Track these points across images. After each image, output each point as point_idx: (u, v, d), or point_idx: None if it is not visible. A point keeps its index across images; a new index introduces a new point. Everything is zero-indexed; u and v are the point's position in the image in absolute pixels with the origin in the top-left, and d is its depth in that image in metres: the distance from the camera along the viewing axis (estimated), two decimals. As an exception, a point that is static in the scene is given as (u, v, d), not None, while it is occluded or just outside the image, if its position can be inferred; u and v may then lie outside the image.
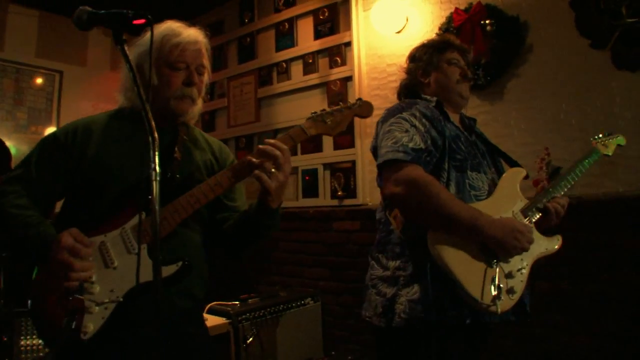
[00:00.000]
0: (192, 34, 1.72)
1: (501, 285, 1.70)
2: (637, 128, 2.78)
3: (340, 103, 1.77)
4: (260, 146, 1.58)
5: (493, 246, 1.73)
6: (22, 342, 3.22)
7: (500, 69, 3.32)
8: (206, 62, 1.76)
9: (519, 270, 1.78)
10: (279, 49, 4.69)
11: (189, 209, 1.56)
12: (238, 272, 4.66)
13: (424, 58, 2.11)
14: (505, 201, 1.88)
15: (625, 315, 2.71)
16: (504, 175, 1.97)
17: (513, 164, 2.08)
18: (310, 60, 4.43)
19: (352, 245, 3.98)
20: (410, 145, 1.79)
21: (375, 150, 1.97)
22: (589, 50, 3.01)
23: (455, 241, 1.72)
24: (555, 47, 3.16)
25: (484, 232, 1.70)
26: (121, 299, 1.48)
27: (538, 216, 1.90)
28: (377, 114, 3.91)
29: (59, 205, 1.75)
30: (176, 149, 1.71)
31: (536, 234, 1.85)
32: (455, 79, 2.05)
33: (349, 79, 4.13)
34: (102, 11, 1.34)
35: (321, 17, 4.40)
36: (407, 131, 1.83)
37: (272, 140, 1.59)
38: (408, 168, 1.75)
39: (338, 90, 4.21)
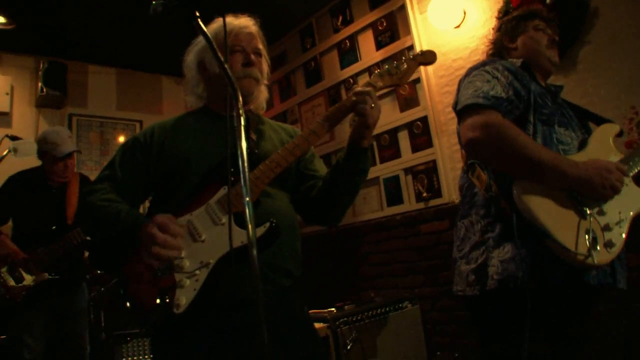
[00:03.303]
0: (243, 21, 1.89)
1: (597, 237, 1.65)
2: None
3: (403, 56, 1.94)
4: (357, 89, 1.76)
5: (579, 189, 1.70)
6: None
7: (569, 39, 3.38)
8: (262, 47, 1.91)
9: (617, 223, 1.72)
10: (343, 66, 5.02)
11: (270, 174, 1.66)
12: (328, 289, 4.78)
13: (509, 26, 2.19)
14: (598, 155, 1.83)
15: None
16: (596, 129, 1.97)
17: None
18: (377, 71, 4.66)
19: (443, 245, 4.04)
20: (491, 92, 1.80)
21: (456, 106, 1.98)
22: (659, 2, 3.05)
23: (542, 190, 1.69)
24: (620, 5, 3.22)
25: (567, 173, 1.68)
26: (212, 261, 1.55)
27: (637, 170, 1.86)
28: (449, 110, 4.13)
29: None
30: (250, 131, 1.86)
31: (634, 187, 1.81)
32: (544, 43, 2.10)
33: (417, 81, 4.33)
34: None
35: (380, 27, 4.69)
36: (488, 81, 1.86)
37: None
38: (485, 113, 1.77)
39: (408, 95, 4.43)
